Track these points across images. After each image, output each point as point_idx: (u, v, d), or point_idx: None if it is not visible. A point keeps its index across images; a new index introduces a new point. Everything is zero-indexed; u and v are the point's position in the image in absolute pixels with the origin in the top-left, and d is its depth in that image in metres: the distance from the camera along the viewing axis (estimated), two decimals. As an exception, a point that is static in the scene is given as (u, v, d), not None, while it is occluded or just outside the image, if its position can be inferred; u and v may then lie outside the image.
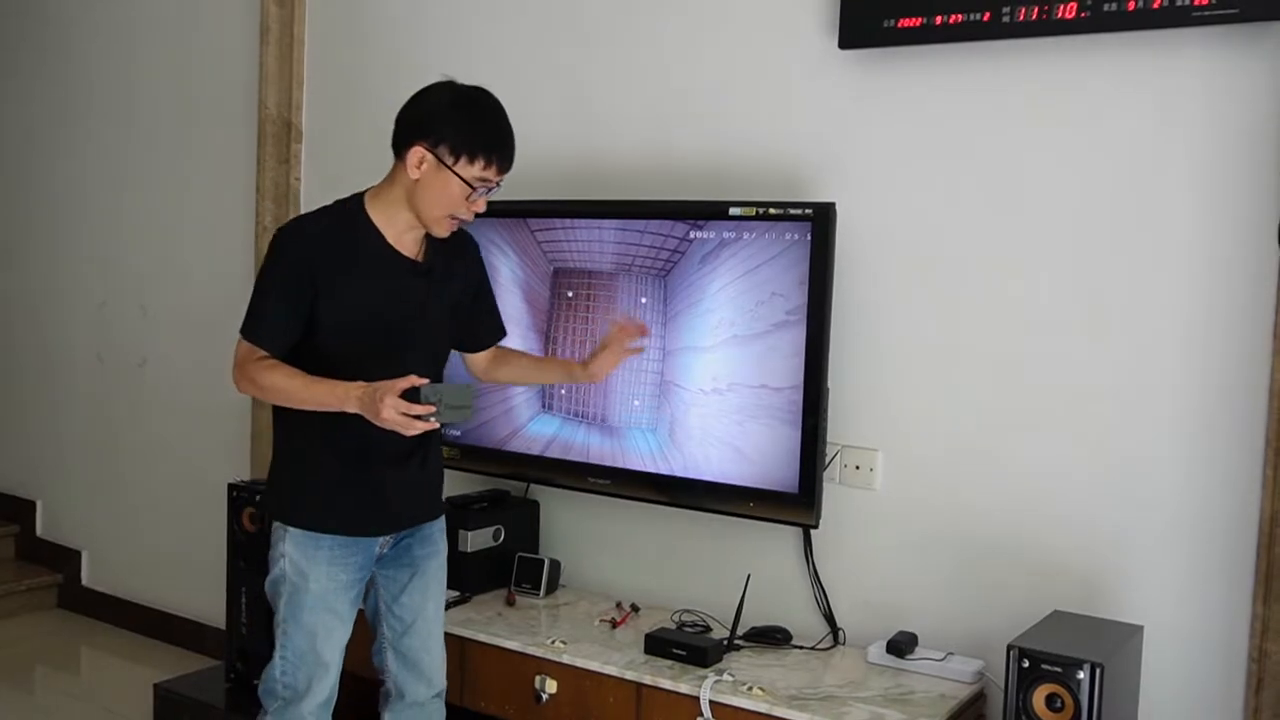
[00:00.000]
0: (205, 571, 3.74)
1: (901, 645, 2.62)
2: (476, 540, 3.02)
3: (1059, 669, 2.11)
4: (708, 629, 2.83)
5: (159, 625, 4.21)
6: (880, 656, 2.64)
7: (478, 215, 2.31)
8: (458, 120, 2.23)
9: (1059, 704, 2.12)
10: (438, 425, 2.20)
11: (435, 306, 2.38)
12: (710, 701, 2.46)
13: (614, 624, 2.87)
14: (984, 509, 2.64)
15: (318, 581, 2.32)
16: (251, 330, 2.28)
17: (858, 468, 2.79)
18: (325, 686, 2.37)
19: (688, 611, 2.91)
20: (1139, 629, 2.36)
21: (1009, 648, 2.18)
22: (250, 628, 3.18)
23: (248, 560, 3.16)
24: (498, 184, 2.29)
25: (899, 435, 2.75)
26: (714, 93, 2.98)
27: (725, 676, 2.53)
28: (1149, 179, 2.44)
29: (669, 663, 2.61)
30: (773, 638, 2.77)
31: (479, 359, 2.61)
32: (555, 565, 3.12)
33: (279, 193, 3.83)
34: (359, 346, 2.28)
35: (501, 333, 2.62)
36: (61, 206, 4.55)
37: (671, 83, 3.05)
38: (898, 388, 2.74)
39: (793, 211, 2.68)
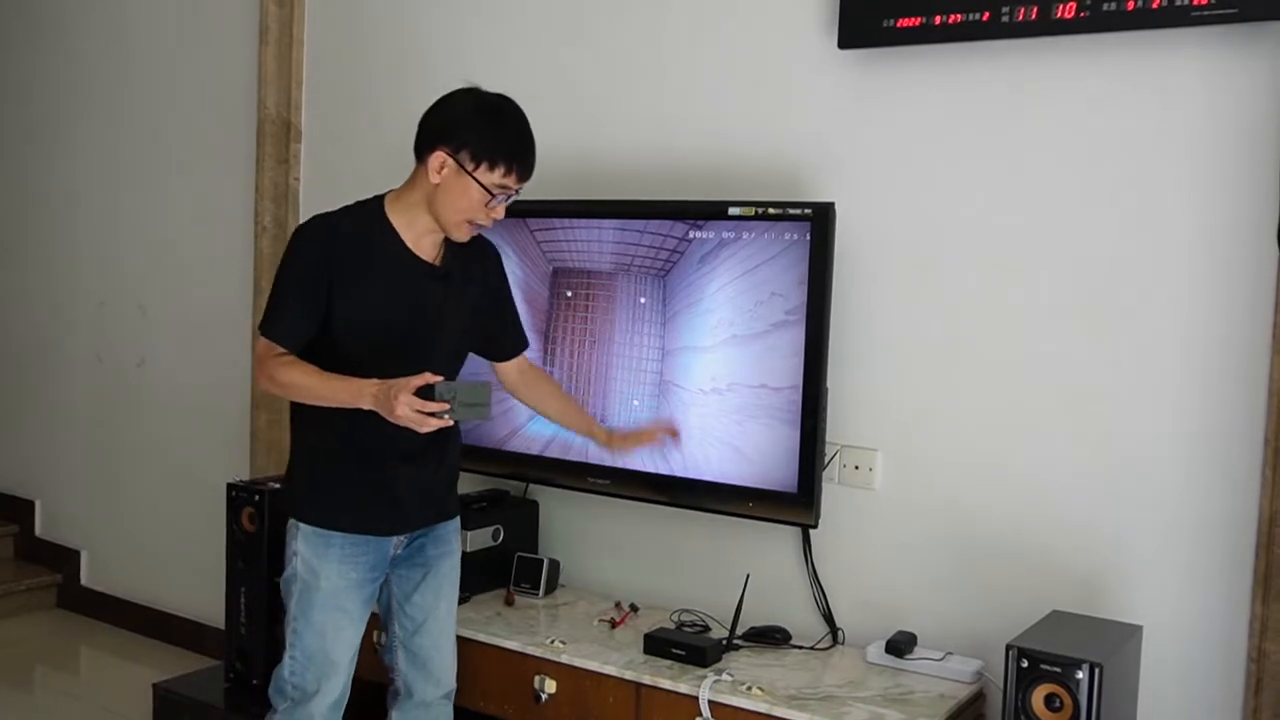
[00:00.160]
0: (204, 571, 3.74)
1: (901, 645, 2.61)
2: (476, 540, 3.01)
3: (1058, 669, 2.11)
4: (707, 629, 2.83)
5: (158, 625, 4.21)
6: (879, 656, 2.64)
7: (496, 222, 2.33)
8: (480, 127, 2.25)
9: (1058, 704, 2.12)
10: (452, 423, 2.20)
11: (452, 310, 2.39)
12: (709, 701, 2.46)
13: (613, 624, 2.87)
14: (983, 509, 2.64)
15: (328, 579, 2.32)
16: (270, 328, 2.29)
17: (857, 468, 2.79)
18: (335, 686, 2.37)
19: (687, 611, 2.91)
20: (1138, 629, 2.36)
21: (1008, 647, 2.17)
22: (250, 628, 3.18)
23: (247, 560, 3.16)
24: (517, 191, 2.31)
25: (898, 435, 2.75)
26: (713, 93, 2.98)
27: (724, 676, 2.52)
28: (1149, 179, 2.44)
29: (668, 663, 2.61)
30: (772, 638, 2.77)
31: (508, 371, 2.63)
32: (554, 565, 3.12)
33: (278, 193, 3.83)
34: (374, 347, 2.29)
35: (524, 344, 2.63)
36: (60, 206, 4.55)
37: (671, 83, 3.05)
38: (897, 388, 2.74)
39: (792, 211, 2.68)
